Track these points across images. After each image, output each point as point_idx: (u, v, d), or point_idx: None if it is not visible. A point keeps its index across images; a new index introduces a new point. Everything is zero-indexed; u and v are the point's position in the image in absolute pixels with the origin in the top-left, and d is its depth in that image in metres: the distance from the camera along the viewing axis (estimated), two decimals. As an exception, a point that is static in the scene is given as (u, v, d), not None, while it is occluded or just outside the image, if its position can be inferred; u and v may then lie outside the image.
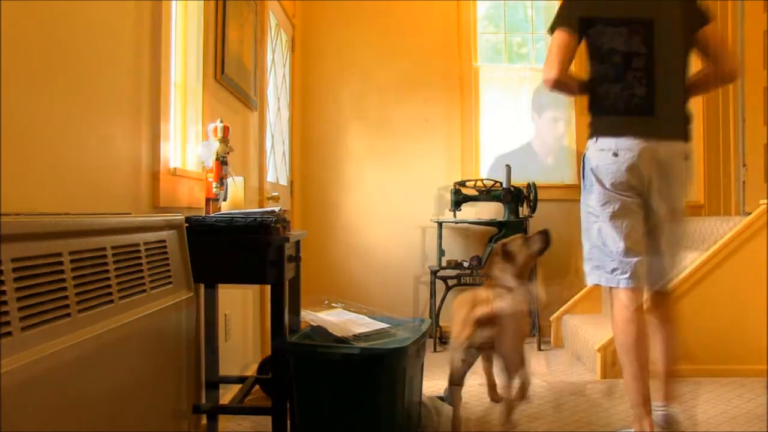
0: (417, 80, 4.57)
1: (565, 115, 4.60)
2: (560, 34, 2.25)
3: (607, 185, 2.22)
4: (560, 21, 2.26)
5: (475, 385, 3.16)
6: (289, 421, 2.07)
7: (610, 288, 2.26)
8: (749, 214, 3.37)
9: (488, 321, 2.40)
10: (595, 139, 2.26)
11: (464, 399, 2.86)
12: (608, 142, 2.21)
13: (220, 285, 2.34)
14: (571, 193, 4.53)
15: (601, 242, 2.25)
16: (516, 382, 2.44)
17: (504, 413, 2.38)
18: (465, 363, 2.43)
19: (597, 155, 2.23)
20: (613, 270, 2.22)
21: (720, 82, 2.50)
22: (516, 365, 2.41)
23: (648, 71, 2.22)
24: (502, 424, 2.34)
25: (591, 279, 2.32)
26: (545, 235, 2.52)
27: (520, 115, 4.64)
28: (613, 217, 2.22)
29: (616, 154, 2.20)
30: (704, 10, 2.27)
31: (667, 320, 2.33)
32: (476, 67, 4.63)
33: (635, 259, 2.21)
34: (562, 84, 2.26)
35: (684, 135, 2.28)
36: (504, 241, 2.60)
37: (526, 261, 2.53)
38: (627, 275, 2.20)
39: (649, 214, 2.27)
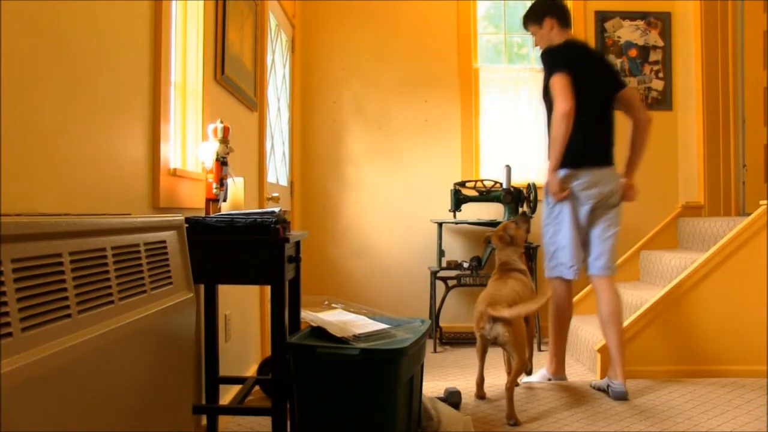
0: (417, 80, 4.57)
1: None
2: (561, 76, 2.88)
3: (573, 203, 3.00)
4: (558, 66, 2.90)
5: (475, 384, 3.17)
6: (289, 422, 2.07)
7: (556, 277, 3.09)
8: (749, 214, 3.37)
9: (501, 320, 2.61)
10: (562, 169, 2.96)
11: (464, 400, 2.87)
12: (571, 172, 2.97)
13: (220, 285, 2.34)
14: (571, 194, 4.54)
15: (562, 245, 3.04)
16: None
17: (509, 406, 2.63)
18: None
19: (565, 179, 2.97)
20: (571, 266, 3.04)
21: (642, 130, 3.09)
22: (525, 361, 2.66)
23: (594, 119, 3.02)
24: (509, 417, 2.61)
25: (554, 273, 3.10)
26: (525, 215, 3.17)
27: (520, 116, 4.64)
28: (574, 226, 3.01)
29: (578, 179, 2.98)
30: (622, 78, 3.19)
31: (602, 295, 3.04)
32: (476, 68, 4.63)
33: (580, 258, 3.06)
34: (573, 114, 2.86)
35: (612, 161, 3.08)
36: (500, 228, 3.10)
37: (522, 241, 3.11)
38: (576, 268, 3.04)
39: (591, 221, 3.04)
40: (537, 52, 4.73)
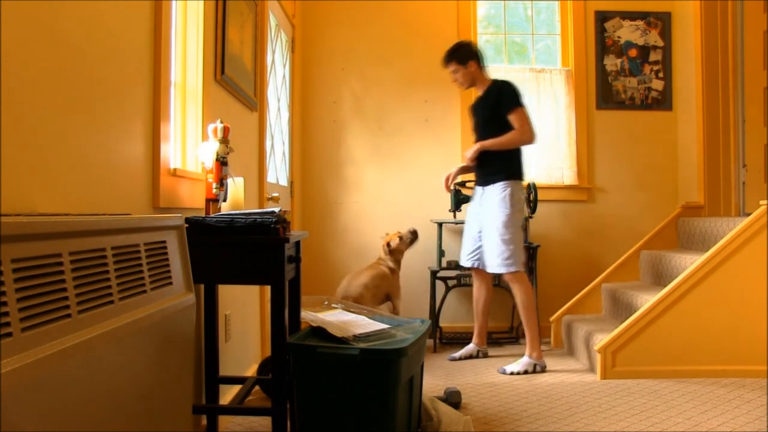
0: (417, 80, 4.57)
1: (565, 116, 4.60)
2: (525, 109, 3.61)
3: (521, 209, 3.58)
4: (521, 100, 3.55)
5: (476, 384, 3.17)
6: (289, 422, 2.07)
7: (517, 271, 3.48)
8: (749, 214, 3.37)
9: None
10: (516, 180, 3.54)
11: (464, 399, 2.87)
12: (522, 184, 3.61)
13: (220, 285, 2.34)
14: (572, 194, 4.55)
15: (520, 244, 3.51)
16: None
17: None
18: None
19: (520, 189, 3.57)
20: (523, 262, 3.55)
21: (521, 144, 3.57)
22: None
23: None
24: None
25: (516, 268, 3.48)
26: (415, 234, 3.95)
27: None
28: (521, 227, 3.59)
29: (523, 191, 3.65)
30: (506, 103, 3.52)
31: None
32: (476, 68, 4.62)
33: None
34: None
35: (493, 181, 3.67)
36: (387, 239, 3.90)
37: (400, 253, 3.93)
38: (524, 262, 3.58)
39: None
40: (537, 53, 4.77)
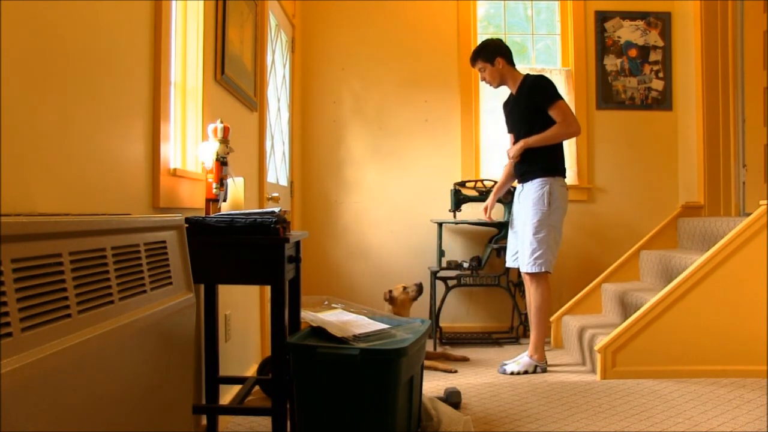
0: (417, 80, 4.57)
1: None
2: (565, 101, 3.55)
3: (564, 207, 3.48)
4: (558, 93, 3.49)
5: (476, 384, 3.17)
6: (289, 422, 2.07)
7: (544, 271, 3.43)
8: (749, 214, 3.37)
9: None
10: (556, 177, 3.46)
11: (464, 399, 2.86)
12: (564, 180, 3.53)
13: (220, 285, 2.34)
14: (571, 194, 4.53)
15: (554, 244, 3.45)
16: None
17: None
18: None
19: (560, 188, 3.46)
20: (553, 264, 3.48)
21: (567, 137, 3.54)
22: None
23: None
24: None
25: (545, 267, 3.43)
26: (420, 287, 3.78)
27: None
28: (560, 227, 3.49)
29: (566, 188, 3.54)
30: (545, 98, 3.44)
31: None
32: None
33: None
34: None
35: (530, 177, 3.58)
36: (388, 291, 3.77)
37: (402, 303, 3.72)
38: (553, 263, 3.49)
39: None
40: (537, 53, 4.77)
